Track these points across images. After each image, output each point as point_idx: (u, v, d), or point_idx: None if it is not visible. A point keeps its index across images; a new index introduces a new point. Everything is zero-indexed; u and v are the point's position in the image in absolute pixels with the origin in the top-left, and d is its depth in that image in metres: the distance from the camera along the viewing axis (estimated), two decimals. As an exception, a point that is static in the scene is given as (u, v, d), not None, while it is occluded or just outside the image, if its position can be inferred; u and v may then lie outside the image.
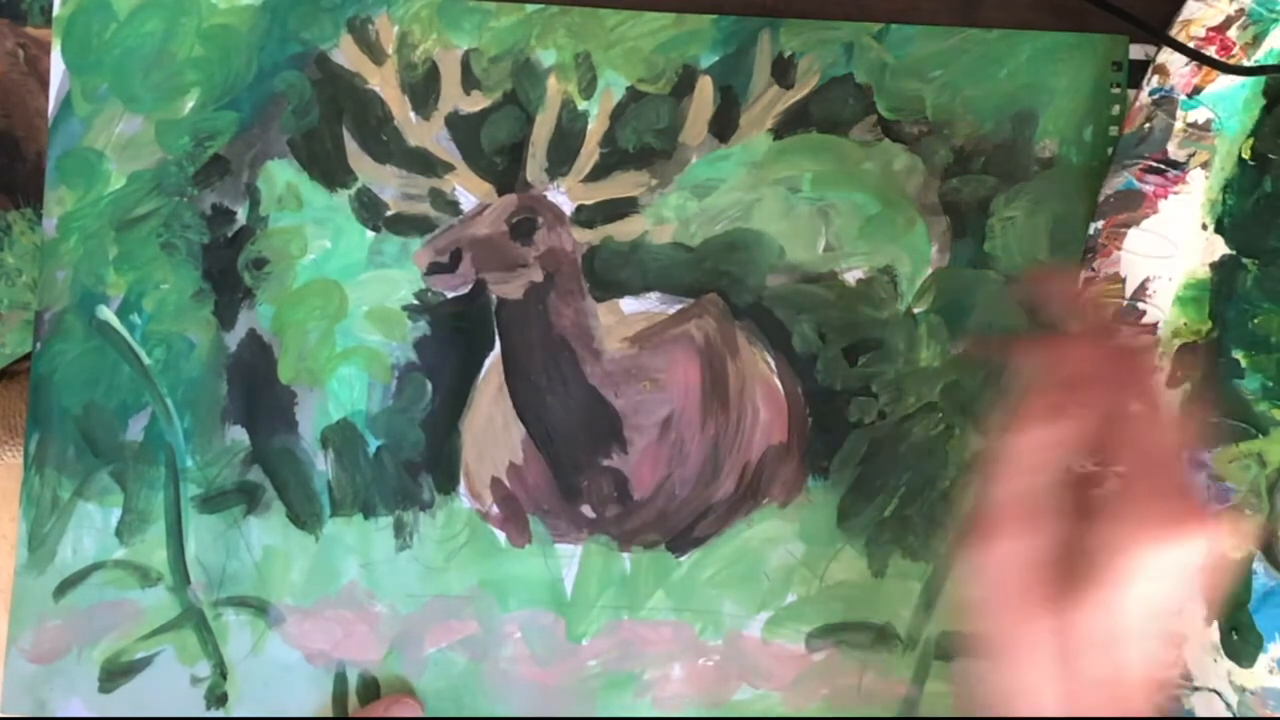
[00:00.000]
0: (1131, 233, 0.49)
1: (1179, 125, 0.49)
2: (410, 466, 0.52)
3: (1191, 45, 0.48)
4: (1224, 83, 0.49)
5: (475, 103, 0.52)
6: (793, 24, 0.52)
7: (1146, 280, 0.50)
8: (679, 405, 0.52)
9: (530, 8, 0.52)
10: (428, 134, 0.52)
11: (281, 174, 0.52)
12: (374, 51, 0.52)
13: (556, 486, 0.52)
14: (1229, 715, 0.49)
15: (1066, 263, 0.46)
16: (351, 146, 0.52)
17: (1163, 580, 0.37)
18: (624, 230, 0.52)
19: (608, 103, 0.52)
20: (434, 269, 0.52)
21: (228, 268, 0.52)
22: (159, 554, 0.52)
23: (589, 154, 0.52)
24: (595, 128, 0.52)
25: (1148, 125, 0.49)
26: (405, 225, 0.52)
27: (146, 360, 0.52)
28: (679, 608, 0.51)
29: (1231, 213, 0.50)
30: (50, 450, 0.52)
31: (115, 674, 0.51)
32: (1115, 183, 0.49)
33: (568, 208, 0.52)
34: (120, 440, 0.52)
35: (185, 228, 0.52)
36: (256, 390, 0.52)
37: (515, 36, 0.52)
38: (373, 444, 0.52)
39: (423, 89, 0.52)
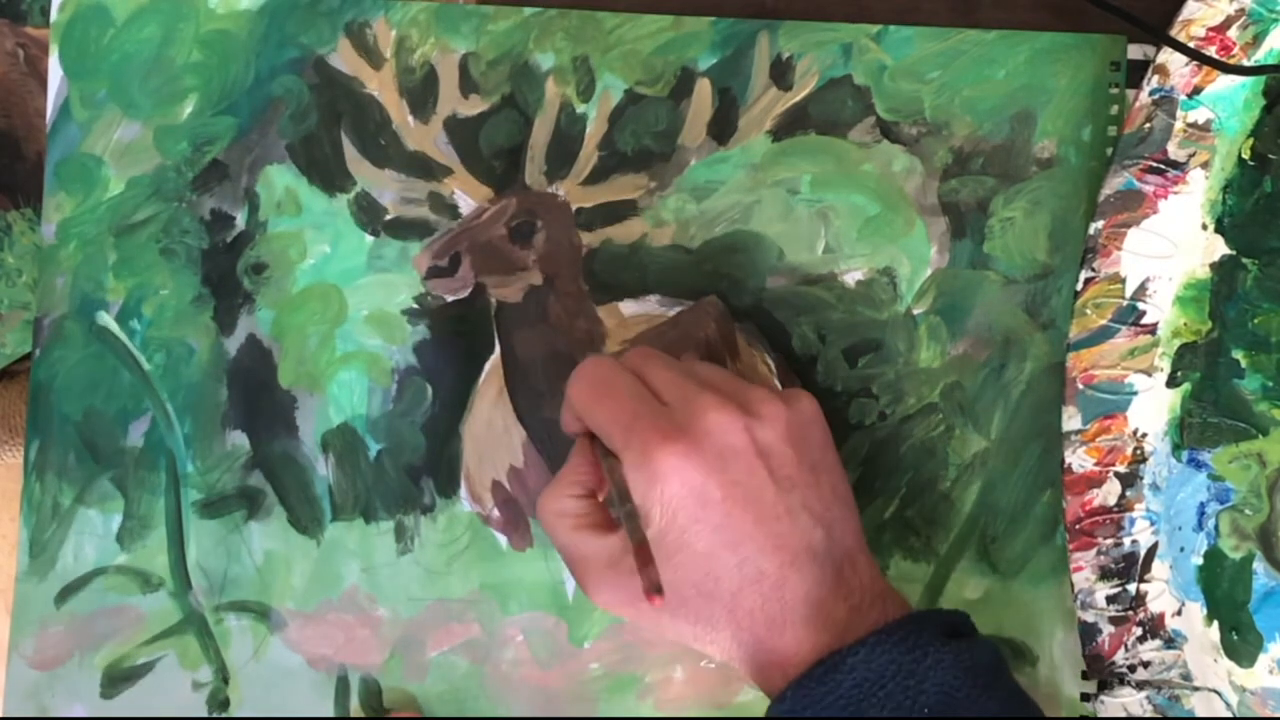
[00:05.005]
0: (1131, 233, 0.49)
1: (1179, 125, 0.49)
2: (411, 470, 0.52)
3: (1191, 45, 0.48)
4: (1224, 83, 0.49)
5: (474, 106, 0.52)
6: (791, 26, 0.52)
7: (1146, 280, 0.50)
8: (679, 408, 0.52)
9: (528, 11, 0.52)
10: (426, 138, 0.52)
11: (280, 179, 0.52)
12: (372, 55, 0.52)
13: (557, 489, 0.52)
14: (1229, 715, 0.49)
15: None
16: (350, 151, 0.52)
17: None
18: (623, 233, 0.52)
19: (606, 105, 0.52)
20: (433, 273, 0.52)
21: (227, 273, 0.52)
22: (160, 559, 0.52)
23: (588, 157, 0.52)
24: (594, 130, 0.52)
25: (1147, 125, 0.49)
26: (404, 229, 0.52)
27: (146, 366, 0.52)
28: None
29: (1231, 213, 0.50)
30: (51, 456, 0.52)
31: (117, 680, 0.51)
32: (1115, 183, 0.49)
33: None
34: (121, 446, 0.52)
35: (184, 233, 0.52)
36: (257, 395, 0.52)
37: (513, 40, 0.52)
38: (373, 448, 0.52)
39: (421, 93, 0.52)
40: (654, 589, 0.40)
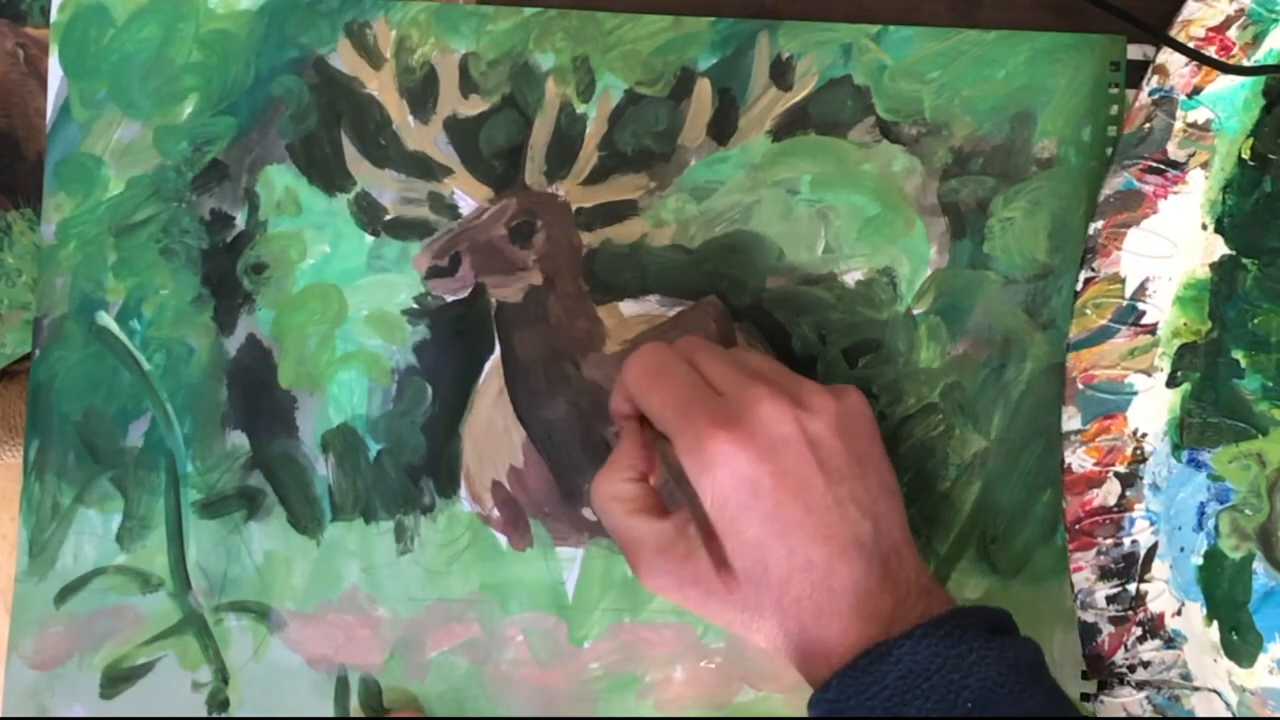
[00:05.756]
0: (1131, 233, 0.49)
1: (1179, 125, 0.49)
2: (411, 470, 0.52)
3: (1191, 45, 0.48)
4: (1224, 83, 0.49)
5: (474, 106, 0.52)
6: (791, 26, 0.52)
7: (1146, 280, 0.50)
8: (679, 408, 0.52)
9: (528, 11, 0.52)
10: (426, 138, 0.52)
11: (280, 179, 0.52)
12: (372, 56, 0.52)
13: (557, 489, 0.52)
14: (1229, 715, 0.49)
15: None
16: (350, 151, 0.52)
17: None
18: (623, 233, 0.52)
19: (606, 105, 0.52)
20: (433, 273, 0.52)
21: (227, 273, 0.52)
22: (160, 559, 0.52)
23: (588, 157, 0.52)
24: (594, 130, 0.52)
25: (1147, 125, 0.49)
26: (404, 229, 0.52)
27: (146, 366, 0.52)
28: (681, 610, 0.51)
29: (1231, 213, 0.50)
30: (50, 456, 0.52)
31: (116, 680, 0.51)
32: (1115, 183, 0.49)
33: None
34: (120, 446, 0.52)
35: (184, 233, 0.52)
36: (257, 395, 0.52)
37: (513, 40, 0.52)
38: (373, 448, 0.52)
39: (421, 93, 0.52)
40: (722, 564, 0.41)
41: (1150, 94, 0.49)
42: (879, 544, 0.42)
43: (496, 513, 0.52)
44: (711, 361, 0.45)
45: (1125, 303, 0.49)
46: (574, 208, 0.52)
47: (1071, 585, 0.49)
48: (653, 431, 0.44)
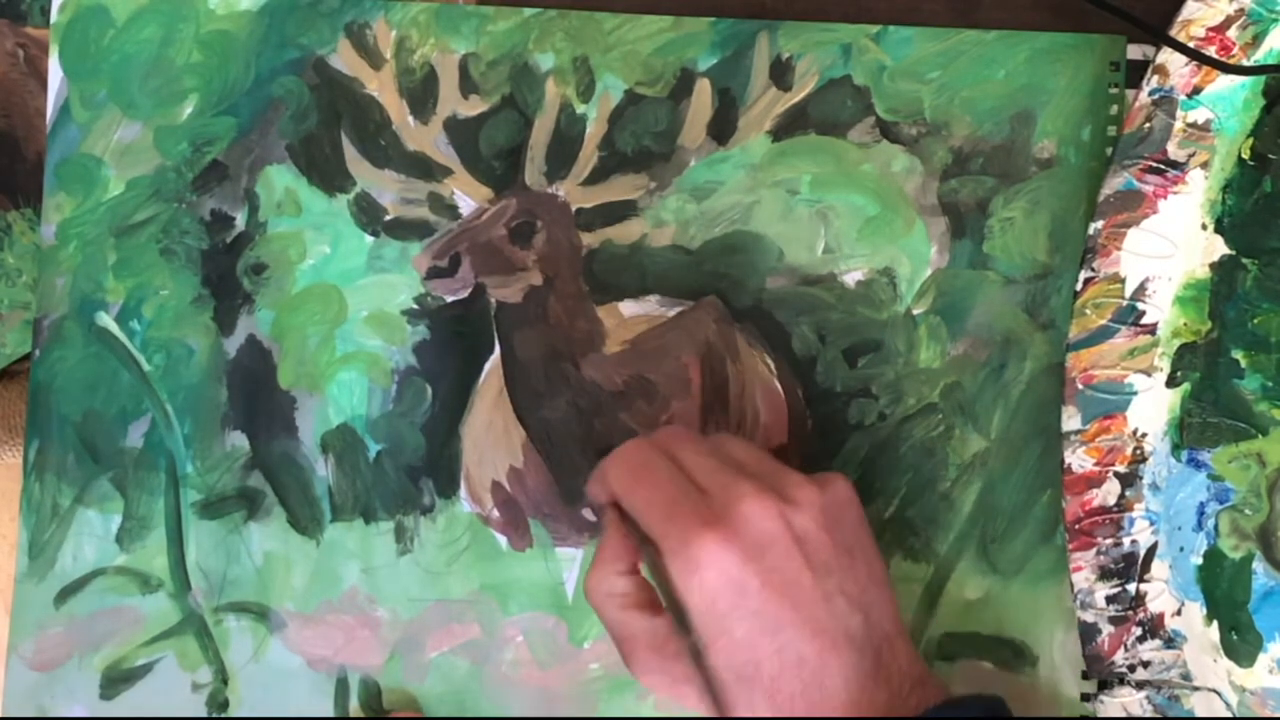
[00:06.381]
0: (1131, 233, 0.49)
1: (1179, 125, 0.49)
2: (411, 471, 0.52)
3: (1191, 45, 0.48)
4: (1224, 83, 0.49)
5: (473, 107, 0.52)
6: (791, 26, 0.52)
7: (1146, 280, 0.50)
8: (679, 408, 0.52)
9: (528, 11, 0.52)
10: (426, 138, 0.52)
11: (280, 179, 0.52)
12: (372, 56, 0.52)
13: (557, 490, 0.52)
14: (1229, 715, 0.49)
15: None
16: (350, 151, 0.52)
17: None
18: (623, 233, 0.52)
19: (606, 106, 0.52)
20: (433, 273, 0.52)
21: (227, 273, 0.52)
22: (159, 560, 0.52)
23: (587, 157, 0.52)
24: (594, 131, 0.52)
25: (1147, 125, 0.49)
26: (404, 230, 0.52)
27: (146, 366, 0.52)
28: (680, 611, 0.51)
29: (1231, 213, 0.50)
30: (50, 457, 0.52)
31: (116, 681, 0.51)
32: (1115, 183, 0.49)
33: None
34: (120, 447, 0.52)
35: (184, 234, 0.52)
36: (256, 396, 0.52)
37: (513, 40, 0.52)
38: (373, 449, 0.52)
39: (421, 93, 0.52)
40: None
41: (1150, 94, 0.49)
42: (870, 636, 0.42)
43: (496, 513, 0.52)
44: (693, 456, 0.44)
45: (1125, 303, 0.49)
46: (574, 208, 0.52)
47: (1071, 585, 0.49)
48: (639, 532, 0.44)
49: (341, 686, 0.51)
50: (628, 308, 0.52)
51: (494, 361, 0.52)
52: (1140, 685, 0.49)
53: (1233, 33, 0.48)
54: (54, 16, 0.52)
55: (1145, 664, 0.49)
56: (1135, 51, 0.52)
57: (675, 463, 0.44)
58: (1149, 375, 0.50)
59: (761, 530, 0.42)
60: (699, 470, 0.44)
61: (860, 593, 0.42)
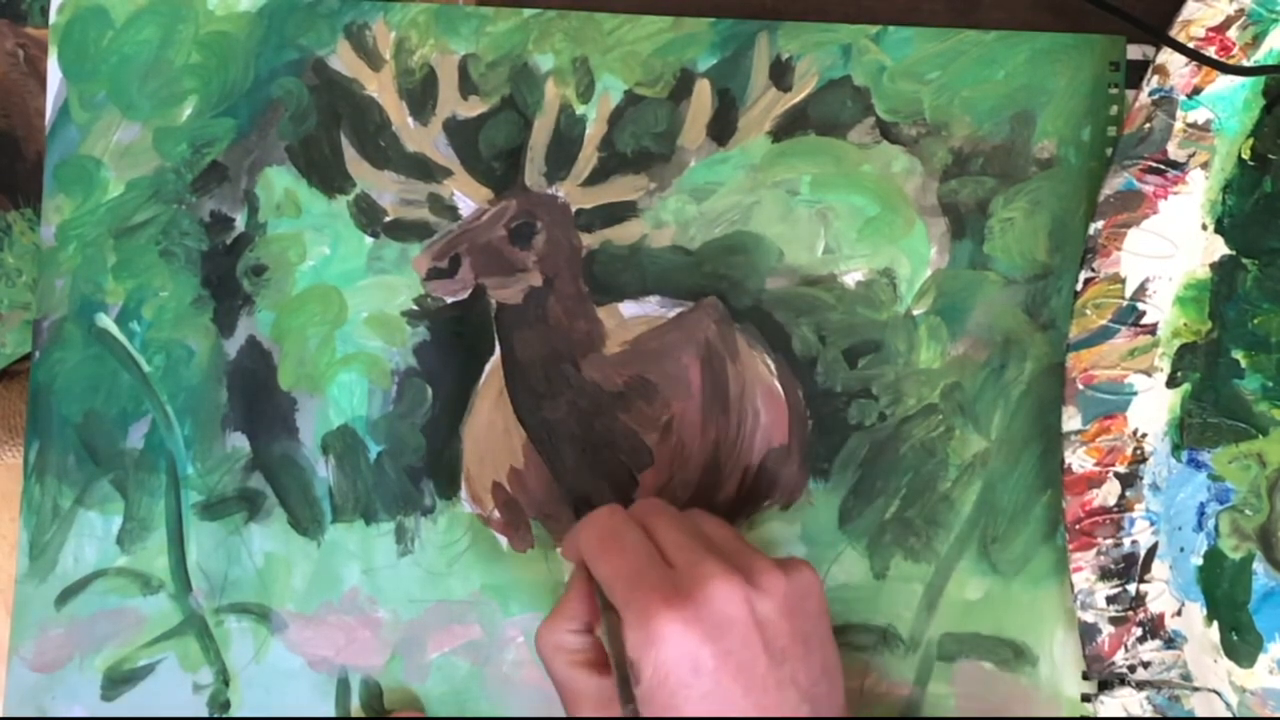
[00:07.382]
0: (1131, 233, 0.49)
1: (1179, 125, 0.49)
2: (411, 472, 0.52)
3: (1191, 45, 0.48)
4: (1224, 83, 0.49)
5: (473, 108, 0.52)
6: (790, 26, 0.52)
7: (1146, 280, 0.50)
8: (679, 409, 0.52)
9: (528, 12, 0.52)
10: (426, 139, 0.52)
11: (280, 180, 0.52)
12: (371, 57, 0.52)
13: (558, 490, 0.52)
14: (1229, 715, 0.49)
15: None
16: (349, 152, 0.52)
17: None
18: (623, 234, 0.52)
19: (606, 107, 0.52)
20: (433, 274, 0.52)
21: (227, 274, 0.52)
22: (160, 561, 0.52)
23: (587, 158, 0.52)
24: (593, 132, 0.52)
25: (1147, 125, 0.49)
26: (404, 231, 0.52)
27: (146, 368, 0.52)
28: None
29: (1231, 213, 0.50)
30: (50, 459, 0.52)
31: (117, 682, 0.51)
32: (1115, 183, 0.49)
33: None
34: (120, 448, 0.52)
35: (184, 235, 0.52)
36: (257, 397, 0.52)
37: (513, 41, 0.52)
38: (373, 449, 0.52)
39: (420, 94, 0.52)
40: None
41: (1150, 94, 0.49)
42: None
43: (497, 514, 0.52)
44: (666, 529, 0.44)
45: (1125, 303, 0.49)
46: (574, 209, 0.52)
47: (1071, 585, 0.49)
48: (603, 598, 0.44)
49: (343, 687, 0.51)
50: (628, 308, 0.52)
51: (494, 362, 0.52)
52: (1140, 686, 0.49)
53: (1233, 33, 0.48)
54: (53, 17, 0.52)
55: (1145, 664, 0.49)
56: (1135, 52, 0.52)
57: (648, 533, 0.44)
58: (1149, 375, 0.50)
59: (724, 612, 0.42)
60: (669, 544, 0.44)
61: (811, 684, 0.43)
